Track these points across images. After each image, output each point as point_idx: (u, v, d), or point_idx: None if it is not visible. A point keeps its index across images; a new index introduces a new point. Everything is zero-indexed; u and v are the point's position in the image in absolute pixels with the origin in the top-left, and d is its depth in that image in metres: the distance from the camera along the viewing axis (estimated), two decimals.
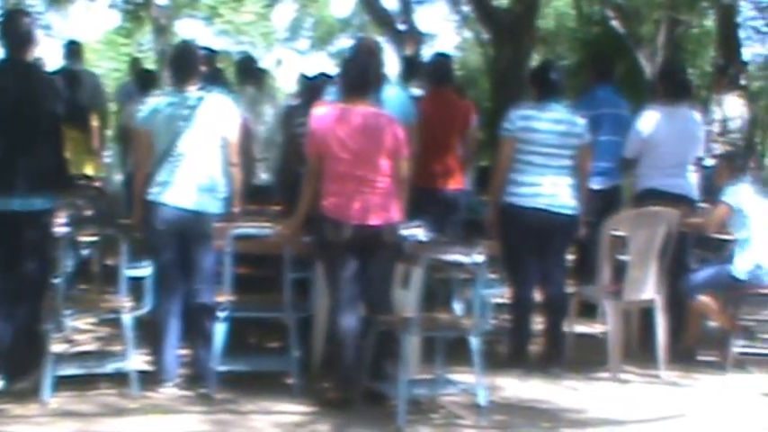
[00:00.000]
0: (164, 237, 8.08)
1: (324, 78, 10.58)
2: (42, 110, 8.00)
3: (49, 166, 8.03)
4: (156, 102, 8.34)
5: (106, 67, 37.04)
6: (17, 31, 8.10)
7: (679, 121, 9.85)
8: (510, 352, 9.21)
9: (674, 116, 9.84)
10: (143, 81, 13.54)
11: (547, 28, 24.19)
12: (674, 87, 10.10)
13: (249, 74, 12.45)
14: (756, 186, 9.69)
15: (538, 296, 9.30)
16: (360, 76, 7.96)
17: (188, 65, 8.31)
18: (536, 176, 8.95)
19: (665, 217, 9.02)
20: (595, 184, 9.85)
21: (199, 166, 8.07)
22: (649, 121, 9.78)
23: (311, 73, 12.47)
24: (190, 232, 8.06)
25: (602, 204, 9.75)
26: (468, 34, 29.18)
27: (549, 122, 8.96)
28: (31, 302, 8.05)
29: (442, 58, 11.34)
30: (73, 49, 15.72)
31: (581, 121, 9.05)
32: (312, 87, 10.32)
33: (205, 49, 9.60)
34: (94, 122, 13.07)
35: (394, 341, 7.60)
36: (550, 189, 8.92)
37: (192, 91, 8.16)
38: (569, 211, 8.96)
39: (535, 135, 8.93)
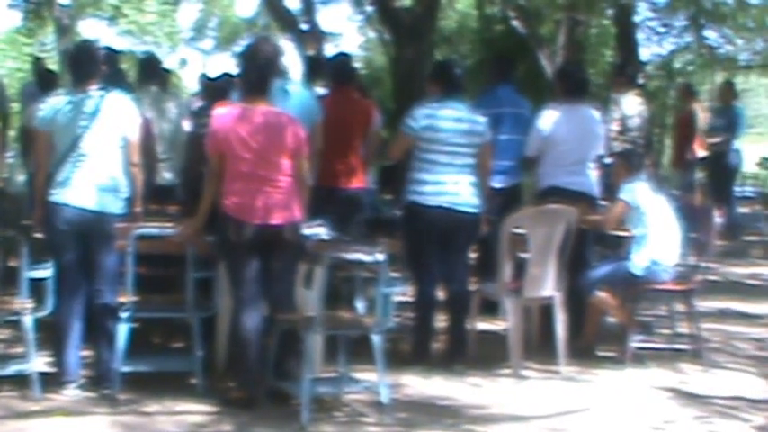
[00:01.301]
0: (65, 237, 7.99)
1: (227, 79, 10.54)
2: None
3: None
4: (55, 102, 8.23)
5: (8, 67, 36.68)
6: None
7: (578, 120, 9.91)
8: (413, 349, 9.18)
9: (574, 115, 9.90)
10: (45, 81, 13.41)
11: (449, 28, 24.31)
12: (572, 86, 10.16)
13: (152, 73, 12.33)
14: (653, 184, 9.74)
15: (440, 294, 9.29)
16: (259, 76, 7.90)
17: (87, 64, 8.20)
18: (439, 175, 8.95)
19: (563, 215, 9.04)
20: (496, 183, 9.84)
21: (100, 166, 7.98)
22: (549, 119, 9.83)
23: (214, 74, 12.43)
24: (91, 232, 7.97)
25: (502, 203, 9.75)
26: (371, 34, 29.24)
27: (452, 121, 8.95)
28: None
29: (343, 58, 11.36)
30: None
31: (482, 120, 9.06)
32: (215, 88, 10.27)
33: (107, 48, 9.48)
34: None
35: (297, 340, 7.60)
36: (453, 188, 8.92)
37: (92, 91, 8.06)
38: (472, 210, 8.96)
39: (438, 134, 8.92)
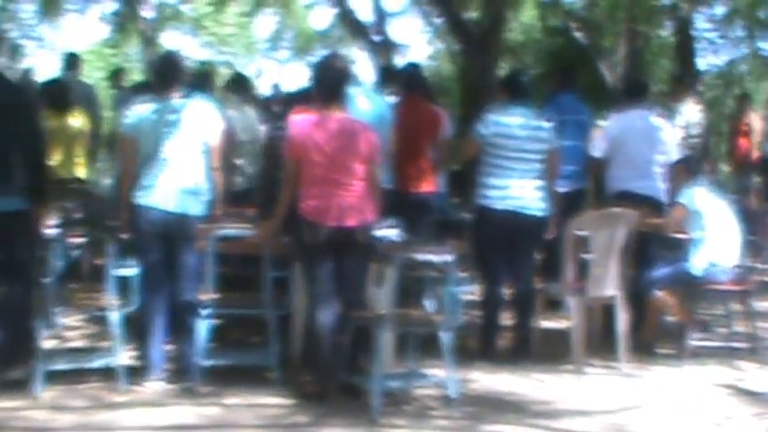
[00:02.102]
0: (149, 238, 8.11)
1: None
2: (12, 121, 7.95)
3: (21, 172, 8.00)
4: (141, 109, 8.32)
5: (95, 77, 36.95)
6: None
7: (643, 125, 10.04)
8: (480, 346, 9.21)
9: (639, 120, 10.06)
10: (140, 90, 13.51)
11: (514, 39, 24.20)
12: (635, 92, 10.17)
13: (235, 83, 12.41)
14: (712, 188, 9.70)
15: (507, 293, 9.30)
16: (333, 85, 7.97)
17: (171, 73, 8.31)
18: (506, 179, 9.00)
19: (624, 217, 9.06)
20: (560, 187, 9.83)
21: (182, 170, 8.10)
22: (616, 122, 9.86)
23: (289, 83, 12.49)
24: (174, 233, 8.08)
25: (566, 206, 9.74)
26: (440, 45, 29.21)
27: (518, 127, 9.00)
28: (19, 299, 8.05)
29: (413, 68, 11.36)
30: (71, 61, 15.74)
31: (548, 126, 9.08)
32: (291, 98, 10.31)
33: (191, 59, 9.57)
34: (86, 129, 12.96)
35: (369, 336, 7.63)
36: (519, 192, 8.97)
37: (176, 98, 8.17)
38: (538, 213, 8.99)
39: (505, 140, 8.98)
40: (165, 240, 8.12)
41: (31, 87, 13.34)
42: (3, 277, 8.03)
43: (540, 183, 9.07)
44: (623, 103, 10.33)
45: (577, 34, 21.21)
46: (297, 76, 35.01)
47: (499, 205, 9.00)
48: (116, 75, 18.49)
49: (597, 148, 10.09)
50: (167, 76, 8.33)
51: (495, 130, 9.06)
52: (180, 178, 8.09)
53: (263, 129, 11.05)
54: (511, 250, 9.11)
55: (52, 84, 12.96)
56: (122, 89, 16.68)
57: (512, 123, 9.04)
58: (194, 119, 8.19)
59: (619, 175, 10.05)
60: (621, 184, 10.02)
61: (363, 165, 7.75)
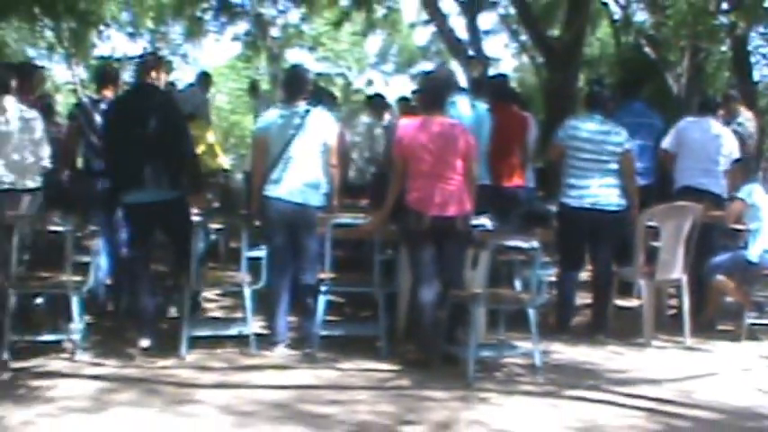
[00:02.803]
0: (276, 225, 8.12)
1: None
2: (163, 124, 8.05)
3: (176, 166, 8.09)
4: (271, 114, 8.40)
5: (230, 88, 37.38)
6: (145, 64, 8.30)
7: (707, 129, 9.93)
8: (556, 322, 9.10)
9: (704, 125, 9.99)
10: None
11: (591, 53, 23.96)
12: (706, 107, 10.17)
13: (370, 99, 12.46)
14: (766, 185, 9.57)
15: (585, 276, 9.22)
16: (436, 94, 7.97)
17: (297, 85, 8.31)
18: (583, 179, 8.89)
19: (690, 210, 8.95)
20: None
21: (305, 166, 8.10)
22: (686, 126, 9.84)
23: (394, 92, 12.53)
24: (297, 221, 8.09)
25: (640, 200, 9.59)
26: (525, 59, 29.04)
27: (594, 133, 8.87)
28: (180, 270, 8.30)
29: (502, 79, 11.35)
30: (203, 79, 15.82)
31: (621, 131, 8.92)
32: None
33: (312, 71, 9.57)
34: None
35: (465, 312, 7.58)
36: (596, 190, 8.85)
37: (301, 106, 8.16)
38: (614, 208, 8.83)
39: (583, 143, 8.85)
40: (289, 227, 8.11)
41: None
42: (168, 254, 8.45)
43: (615, 181, 8.90)
44: (697, 113, 10.24)
45: (646, 49, 20.94)
46: (401, 87, 35.06)
47: (578, 203, 8.89)
48: (253, 87, 18.60)
49: (668, 143, 9.96)
50: (294, 86, 8.36)
51: (572, 133, 8.98)
52: (302, 174, 8.10)
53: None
54: (590, 240, 8.99)
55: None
56: (259, 98, 16.81)
57: (588, 129, 8.92)
58: (315, 123, 8.19)
59: (685, 171, 9.89)
60: (687, 180, 9.86)
61: (462, 161, 7.69)
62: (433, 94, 8.00)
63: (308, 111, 8.21)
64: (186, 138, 8.40)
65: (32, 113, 8.75)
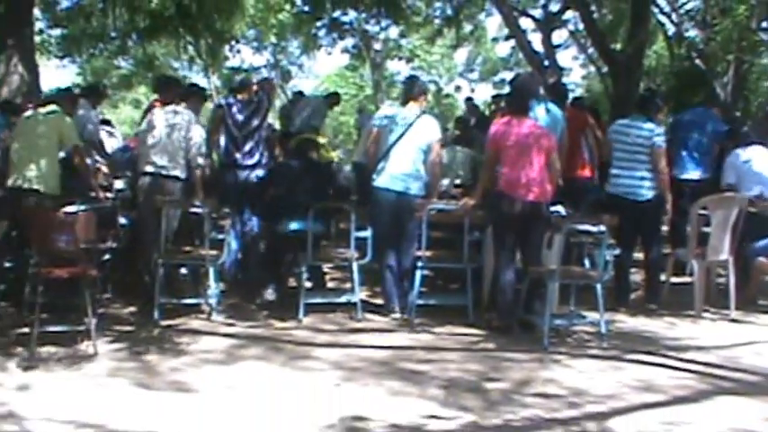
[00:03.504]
0: (381, 209, 8.16)
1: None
2: None
3: None
4: (387, 112, 8.62)
5: (340, 92, 37.54)
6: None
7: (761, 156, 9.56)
8: (616, 296, 8.89)
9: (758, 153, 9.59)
10: None
11: (649, 64, 23.58)
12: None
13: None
14: None
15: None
16: (521, 98, 7.94)
17: (411, 90, 8.51)
18: (619, 170, 8.79)
19: (738, 201, 8.77)
20: (692, 175, 9.86)
21: (408, 160, 8.16)
22: (739, 162, 9.46)
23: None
24: (398, 207, 8.11)
25: (697, 190, 9.43)
26: (591, 69, 28.72)
27: (632, 130, 8.76)
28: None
29: (563, 86, 11.42)
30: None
31: (655, 130, 8.73)
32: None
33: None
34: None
35: (541, 286, 7.55)
36: (628, 180, 8.70)
37: (412, 108, 8.31)
38: (642, 198, 8.64)
39: (624, 139, 8.76)
40: (391, 212, 8.14)
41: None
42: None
43: (647, 174, 8.69)
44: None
45: (697, 61, 20.63)
46: (484, 93, 34.99)
47: (614, 190, 8.80)
48: (360, 110, 18.51)
49: (729, 177, 9.66)
50: (408, 92, 8.52)
51: (617, 129, 8.92)
52: (404, 166, 8.15)
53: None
54: (636, 225, 8.78)
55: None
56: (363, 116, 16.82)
57: (628, 127, 8.79)
58: (421, 124, 8.23)
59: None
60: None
61: (544, 156, 7.65)
62: (519, 98, 7.96)
63: (417, 114, 8.29)
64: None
65: (194, 123, 8.83)
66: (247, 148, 9.01)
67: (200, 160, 8.67)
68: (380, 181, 8.18)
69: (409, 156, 8.18)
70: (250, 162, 9.00)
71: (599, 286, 7.46)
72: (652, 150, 8.68)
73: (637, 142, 8.67)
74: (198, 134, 8.70)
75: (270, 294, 8.49)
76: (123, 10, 15.44)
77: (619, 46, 18.04)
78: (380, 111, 8.82)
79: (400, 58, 32.80)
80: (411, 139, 8.19)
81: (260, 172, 9.02)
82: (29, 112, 8.60)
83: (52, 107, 8.45)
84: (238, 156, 9.00)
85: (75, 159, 8.39)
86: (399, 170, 8.14)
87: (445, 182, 9.88)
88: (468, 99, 15.61)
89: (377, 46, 28.67)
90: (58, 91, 10.18)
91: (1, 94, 12.16)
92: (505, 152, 7.65)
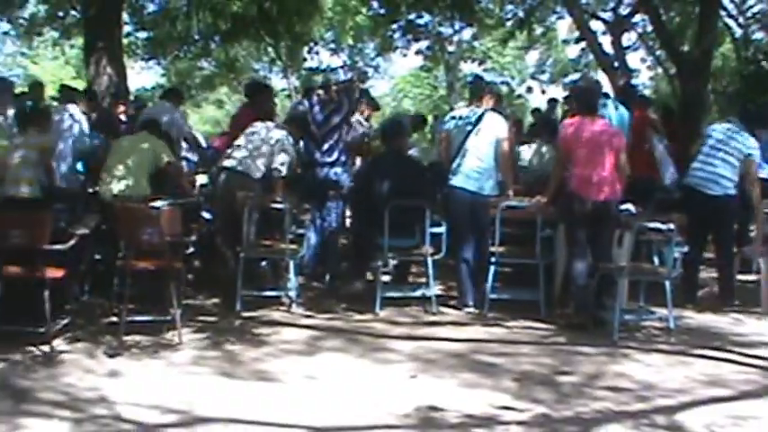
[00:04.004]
0: (456, 208, 8.21)
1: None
2: None
3: None
4: (454, 113, 8.69)
5: (415, 93, 37.64)
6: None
7: None
8: (683, 292, 8.76)
9: None
10: None
11: (715, 66, 23.25)
12: None
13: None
14: None
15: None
16: (589, 99, 7.92)
17: (476, 91, 8.53)
18: (701, 164, 8.63)
19: None
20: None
21: (479, 159, 8.16)
22: None
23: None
24: (472, 205, 8.14)
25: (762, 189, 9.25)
26: (659, 70, 28.34)
27: (720, 132, 8.71)
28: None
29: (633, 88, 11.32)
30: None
31: (750, 140, 8.60)
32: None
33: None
34: None
35: (611, 282, 7.49)
36: (702, 173, 8.59)
37: (478, 108, 8.31)
38: (718, 193, 8.49)
39: (719, 139, 8.63)
40: (466, 210, 8.16)
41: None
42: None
43: (726, 173, 8.53)
44: None
45: (763, 63, 20.25)
46: (555, 94, 34.82)
47: (688, 181, 8.72)
48: (433, 118, 18.23)
49: None
50: (474, 92, 8.55)
51: (717, 130, 8.80)
52: (477, 165, 8.16)
53: None
54: (706, 222, 8.64)
55: None
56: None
57: (729, 132, 8.65)
58: (489, 122, 8.23)
59: None
60: None
61: (614, 155, 7.60)
62: (586, 99, 7.92)
63: (484, 112, 8.26)
64: None
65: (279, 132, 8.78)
66: (327, 146, 9.10)
67: (283, 171, 8.64)
68: (456, 180, 8.19)
69: (480, 153, 8.18)
70: (329, 159, 9.08)
71: (668, 283, 7.42)
72: (746, 160, 8.55)
73: (731, 147, 8.55)
74: (286, 156, 8.57)
75: (356, 287, 8.49)
76: (207, 13, 15.61)
77: (687, 48, 17.81)
78: (450, 114, 8.80)
79: (473, 60, 32.73)
80: (480, 137, 8.20)
81: (338, 169, 9.10)
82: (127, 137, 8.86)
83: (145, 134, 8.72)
84: (318, 154, 9.09)
85: (170, 172, 8.66)
86: (472, 168, 8.15)
87: None
88: (553, 100, 15.45)
89: (450, 48, 28.62)
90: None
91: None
92: (577, 152, 7.62)
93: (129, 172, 8.29)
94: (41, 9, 17.23)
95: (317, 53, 27.89)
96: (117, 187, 8.23)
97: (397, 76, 39.07)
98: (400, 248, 8.30)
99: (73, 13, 17.47)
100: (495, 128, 8.26)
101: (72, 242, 7.03)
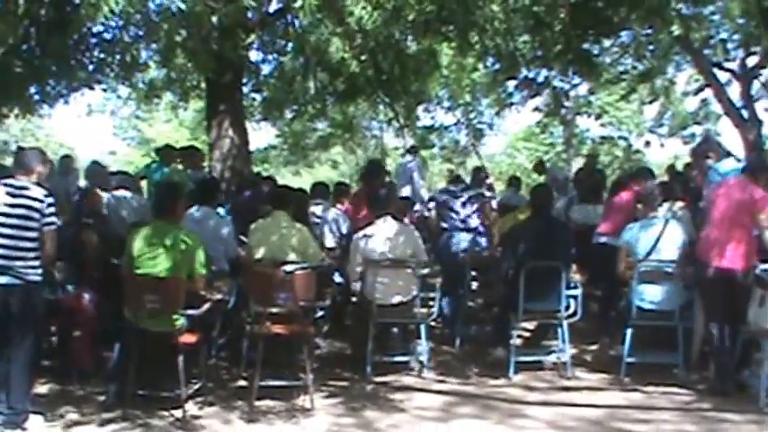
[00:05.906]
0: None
1: None
2: None
3: None
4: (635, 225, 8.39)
5: (528, 148, 37.64)
6: None
7: None
8: None
9: None
10: None
11: None
12: None
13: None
14: None
15: None
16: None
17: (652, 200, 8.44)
18: None
19: None
20: None
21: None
22: None
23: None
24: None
25: None
26: None
27: None
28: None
29: None
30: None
31: None
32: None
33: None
34: None
35: (753, 345, 7.37)
36: None
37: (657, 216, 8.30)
38: None
39: None
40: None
41: None
42: None
43: None
44: None
45: None
46: (674, 148, 34.45)
47: None
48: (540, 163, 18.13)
49: None
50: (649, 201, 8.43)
51: None
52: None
53: None
54: None
55: None
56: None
57: None
58: (672, 234, 8.09)
59: None
60: None
61: (751, 217, 7.43)
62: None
63: (666, 221, 8.20)
64: None
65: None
66: (464, 215, 9.39)
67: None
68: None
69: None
70: (465, 227, 9.37)
71: None
72: None
73: None
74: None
75: (499, 353, 8.44)
76: (323, 74, 15.89)
77: None
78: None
79: (589, 115, 32.55)
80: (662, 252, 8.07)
81: (475, 236, 9.37)
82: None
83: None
84: (456, 220, 9.40)
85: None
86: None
87: None
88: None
89: (567, 103, 28.54)
90: None
91: (213, 158, 12.66)
92: (712, 216, 7.62)
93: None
94: (161, 73, 17.71)
95: (433, 111, 28.11)
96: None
97: (509, 133, 39.10)
98: (536, 311, 8.27)
99: (192, 76, 17.95)
100: (677, 239, 8.11)
101: (206, 306, 7.19)
